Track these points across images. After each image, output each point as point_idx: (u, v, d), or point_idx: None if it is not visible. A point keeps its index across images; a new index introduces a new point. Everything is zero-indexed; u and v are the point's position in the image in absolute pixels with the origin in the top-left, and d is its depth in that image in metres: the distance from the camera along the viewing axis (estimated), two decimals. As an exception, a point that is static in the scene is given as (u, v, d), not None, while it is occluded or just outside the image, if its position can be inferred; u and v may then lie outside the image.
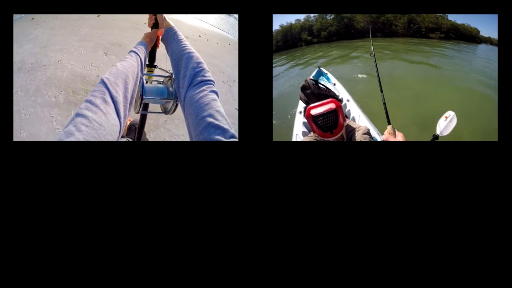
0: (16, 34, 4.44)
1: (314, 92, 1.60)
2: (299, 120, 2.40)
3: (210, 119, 0.82)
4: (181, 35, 1.13)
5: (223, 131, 0.80)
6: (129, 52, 1.01)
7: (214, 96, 0.91)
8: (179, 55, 1.04)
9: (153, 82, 1.25)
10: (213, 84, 0.96)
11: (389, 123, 1.45)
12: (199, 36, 5.83)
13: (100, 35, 4.71)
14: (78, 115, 0.71)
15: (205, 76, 0.96)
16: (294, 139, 2.22)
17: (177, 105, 1.16)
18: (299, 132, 2.26)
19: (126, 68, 0.89)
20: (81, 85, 3.43)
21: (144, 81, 1.20)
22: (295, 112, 2.60)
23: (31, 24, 5.09)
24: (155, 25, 1.19)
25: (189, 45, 1.08)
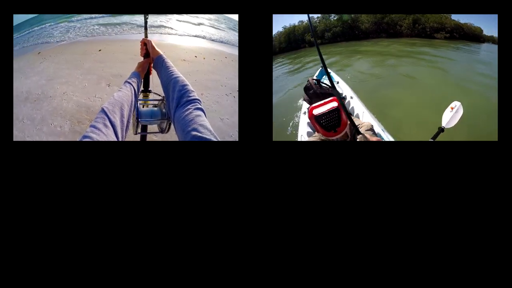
0: (23, 67, 4.76)
1: (316, 92, 1.62)
2: (304, 121, 2.41)
3: (194, 133, 0.93)
4: (169, 62, 1.26)
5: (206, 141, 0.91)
6: (124, 83, 1.16)
7: (198, 112, 1.02)
8: (168, 81, 1.17)
9: (149, 106, 1.39)
10: (198, 102, 1.07)
11: (358, 133, 1.25)
12: (195, 56, 6.02)
13: (103, 68, 4.94)
14: (84, 136, 0.86)
15: (189, 97, 1.08)
16: (299, 140, 2.23)
17: (170, 124, 1.27)
18: (304, 133, 2.27)
19: (121, 98, 1.05)
20: (86, 115, 3.58)
21: (141, 106, 1.34)
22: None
23: (38, 58, 5.38)
24: (146, 55, 1.33)
25: (176, 71, 1.21)
